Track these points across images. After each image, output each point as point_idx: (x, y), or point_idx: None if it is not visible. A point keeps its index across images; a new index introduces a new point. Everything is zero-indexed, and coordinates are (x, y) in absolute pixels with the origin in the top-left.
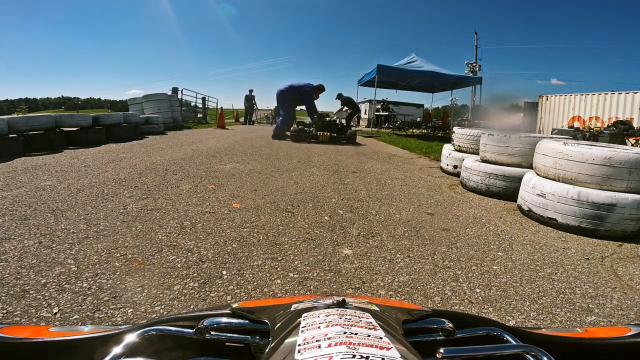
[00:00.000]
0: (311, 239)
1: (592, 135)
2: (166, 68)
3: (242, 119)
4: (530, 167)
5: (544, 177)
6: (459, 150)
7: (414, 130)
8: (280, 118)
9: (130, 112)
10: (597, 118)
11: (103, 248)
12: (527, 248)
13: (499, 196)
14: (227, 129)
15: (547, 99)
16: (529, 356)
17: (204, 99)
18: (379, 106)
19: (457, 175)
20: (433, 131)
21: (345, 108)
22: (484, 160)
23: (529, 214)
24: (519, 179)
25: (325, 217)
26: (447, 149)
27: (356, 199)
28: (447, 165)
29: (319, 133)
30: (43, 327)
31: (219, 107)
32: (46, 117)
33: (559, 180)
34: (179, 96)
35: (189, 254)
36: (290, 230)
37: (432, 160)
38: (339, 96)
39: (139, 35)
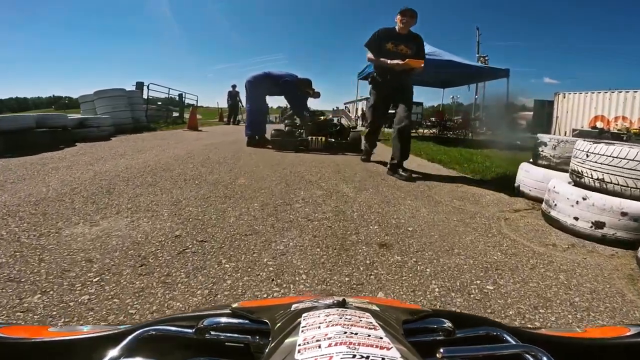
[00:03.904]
0: None
1: (628, 138)
2: (166, 68)
3: (226, 119)
4: None
5: None
6: (600, 190)
7: (424, 131)
8: (248, 116)
9: (81, 112)
10: (624, 118)
11: None
12: None
13: None
14: (200, 130)
15: (565, 97)
16: (528, 356)
17: (180, 96)
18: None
19: (603, 241)
20: (443, 132)
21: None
22: None
23: None
24: None
25: None
26: (559, 184)
27: None
28: (577, 220)
29: (310, 138)
30: (42, 327)
31: (198, 104)
32: None
33: None
34: (145, 92)
35: None
36: None
37: (502, 192)
38: None
39: (140, 35)
